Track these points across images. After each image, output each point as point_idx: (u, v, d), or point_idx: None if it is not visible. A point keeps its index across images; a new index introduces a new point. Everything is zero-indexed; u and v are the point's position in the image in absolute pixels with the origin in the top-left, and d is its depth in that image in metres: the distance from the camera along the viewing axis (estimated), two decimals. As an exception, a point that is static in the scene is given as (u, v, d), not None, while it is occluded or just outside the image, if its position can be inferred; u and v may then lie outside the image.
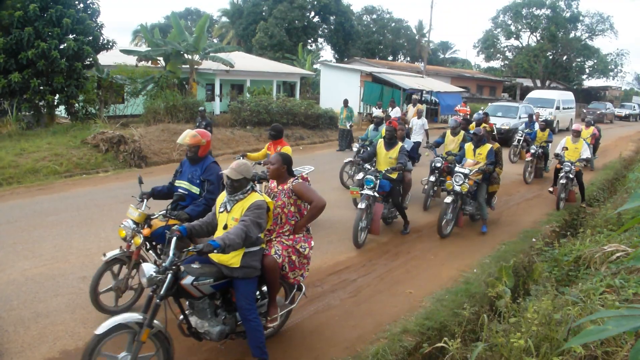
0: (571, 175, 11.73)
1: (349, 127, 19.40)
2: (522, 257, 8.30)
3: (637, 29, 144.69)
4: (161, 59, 22.46)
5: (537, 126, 16.60)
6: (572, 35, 52.12)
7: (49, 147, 14.34)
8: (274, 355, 5.05)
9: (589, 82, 58.06)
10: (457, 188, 9.05)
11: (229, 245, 4.25)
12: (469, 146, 9.96)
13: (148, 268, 4.22)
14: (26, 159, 13.35)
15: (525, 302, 5.82)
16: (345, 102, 19.89)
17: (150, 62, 22.41)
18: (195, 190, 5.84)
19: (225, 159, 16.27)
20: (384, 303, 6.45)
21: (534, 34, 53.48)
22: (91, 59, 17.76)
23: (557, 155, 12.24)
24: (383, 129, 11.20)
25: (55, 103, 18.19)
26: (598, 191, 13.72)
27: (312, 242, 5.40)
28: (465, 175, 9.04)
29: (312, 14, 55.12)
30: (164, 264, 4.23)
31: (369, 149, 10.77)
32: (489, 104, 28.18)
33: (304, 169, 9.42)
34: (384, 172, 8.73)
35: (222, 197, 4.82)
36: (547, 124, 15.82)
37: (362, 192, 8.55)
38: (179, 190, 5.93)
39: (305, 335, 5.62)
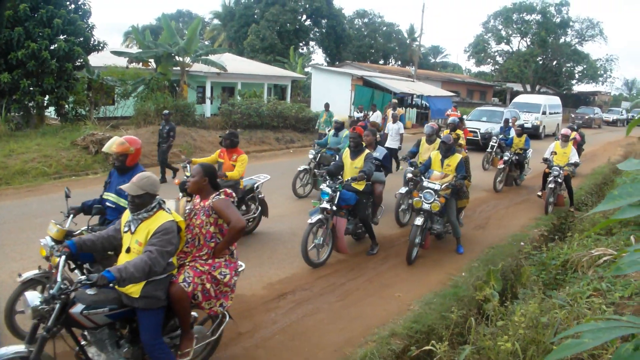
0: (560, 180, 11.70)
1: (327, 132, 18.81)
2: (510, 260, 8.34)
3: (626, 35, 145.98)
4: (152, 60, 22.43)
5: (513, 132, 15.69)
6: (562, 40, 52.66)
7: (38, 148, 14.27)
8: None
9: (579, 87, 58.68)
10: (427, 206, 7.98)
11: (126, 279, 3.71)
12: (435, 155, 8.85)
13: (32, 297, 3.68)
14: (15, 160, 13.28)
15: (513, 306, 5.86)
16: (326, 105, 19.15)
17: (141, 63, 22.38)
18: (123, 203, 5.19)
19: (216, 161, 16.27)
20: (373, 306, 6.47)
21: (524, 39, 53.96)
22: (82, 60, 17.71)
23: (545, 160, 12.28)
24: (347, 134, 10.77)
25: (45, 104, 18.10)
26: (586, 195, 13.82)
27: (240, 267, 4.85)
28: (436, 192, 8.00)
29: (304, 17, 55.24)
30: (50, 292, 3.65)
31: (336, 158, 10.13)
32: (475, 108, 28.15)
33: (259, 178, 9.04)
34: (345, 182, 7.93)
35: (127, 214, 4.20)
36: (524, 130, 15.11)
37: (319, 205, 7.73)
38: (107, 203, 5.43)
39: (294, 339, 5.63)
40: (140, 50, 22.84)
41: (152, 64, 22.61)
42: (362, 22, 68.34)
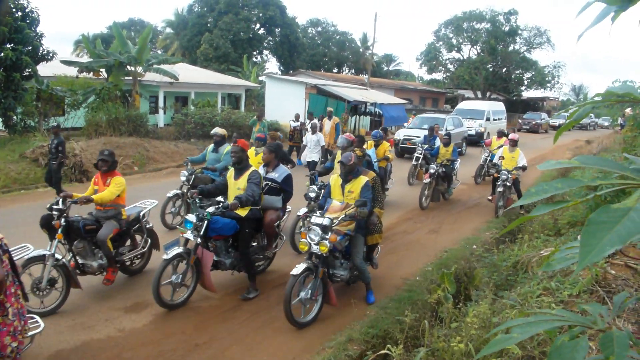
0: (508, 183, 11.91)
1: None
2: (463, 263, 8.53)
3: (572, 42, 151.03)
4: (103, 70, 22.07)
5: (438, 141, 14.37)
6: (511, 48, 54.30)
7: (-16, 161, 13.89)
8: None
9: (528, 93, 60.28)
10: (315, 249, 6.07)
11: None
12: (335, 181, 7.02)
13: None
14: (-40, 174, 12.89)
15: (466, 307, 6.01)
16: (259, 115, 18.35)
17: (91, 73, 22.01)
18: None
19: (170, 172, 16.14)
20: (329, 313, 6.53)
21: (475, 47, 55.31)
22: (30, 70, 17.30)
23: (494, 165, 12.64)
24: (256, 152, 9.87)
25: (-8, 115, 17.60)
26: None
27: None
28: (325, 228, 6.09)
29: (258, 26, 55.22)
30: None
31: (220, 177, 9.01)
32: (417, 115, 27.81)
33: (145, 205, 7.76)
34: (220, 208, 6.47)
35: None
36: (451, 138, 14.15)
37: (184, 235, 6.47)
38: None
39: (252, 348, 5.65)
40: (91, 59, 22.46)
41: (103, 73, 22.25)
42: (315, 31, 68.74)
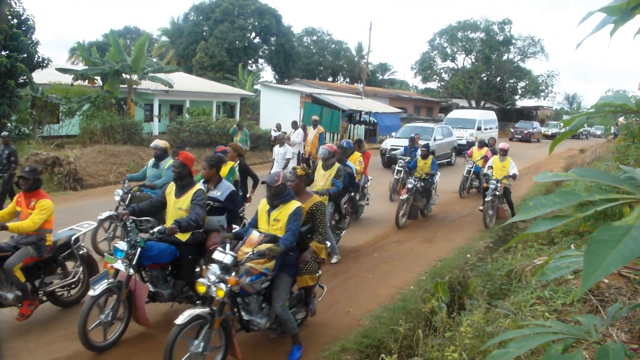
0: (498, 193, 11.75)
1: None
2: (457, 272, 8.53)
3: (566, 52, 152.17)
4: (98, 78, 22.05)
5: (419, 152, 13.16)
6: (505, 57, 54.76)
7: (-22, 168, 13.79)
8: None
9: (522, 102, 60.63)
10: (213, 292, 4.78)
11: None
12: (262, 206, 5.69)
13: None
14: (-47, 181, 12.79)
15: (460, 317, 6.01)
16: (240, 124, 17.44)
17: (87, 81, 21.98)
18: None
19: (165, 180, 16.07)
20: (324, 323, 6.51)
21: (469, 56, 55.71)
22: (25, 77, 17.27)
23: (484, 175, 12.52)
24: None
25: (-14, 122, 17.54)
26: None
27: None
28: (226, 268, 4.84)
29: (253, 34, 55.33)
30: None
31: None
32: (405, 124, 26.51)
33: (81, 228, 6.82)
34: (155, 234, 5.52)
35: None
36: (430, 150, 12.70)
37: (114, 265, 5.54)
38: None
39: (245, 357, 5.60)
40: (86, 67, 22.43)
41: (99, 81, 22.23)
42: (310, 39, 68.96)
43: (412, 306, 6.91)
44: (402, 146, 18.63)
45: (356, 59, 66.45)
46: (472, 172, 15.33)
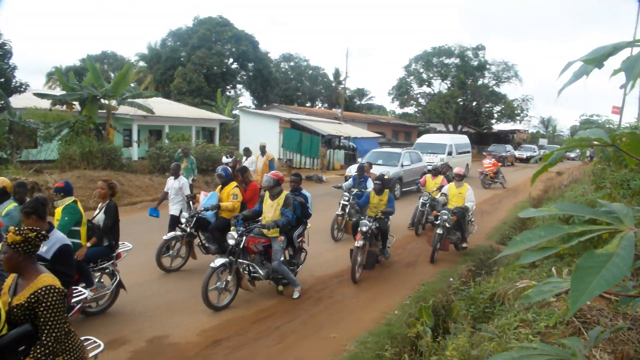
0: (448, 225, 10.76)
1: (191, 182, 14.76)
2: (440, 296, 8.61)
3: (539, 76, 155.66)
4: (77, 103, 21.99)
5: (371, 183, 12.08)
6: (480, 82, 55.88)
7: (-46, 195, 13.62)
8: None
9: (498, 126, 61.51)
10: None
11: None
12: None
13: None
14: None
15: (445, 341, 6.10)
16: (186, 151, 16.28)
17: (64, 106, 21.91)
18: None
19: (144, 206, 16.04)
20: (309, 348, 6.56)
21: (445, 81, 56.65)
22: (2, 102, 17.20)
23: (434, 200, 12.06)
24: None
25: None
26: (510, 230, 14.43)
27: None
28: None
29: (231, 60, 55.68)
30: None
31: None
32: (371, 150, 25.01)
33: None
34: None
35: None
36: (385, 184, 10.38)
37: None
38: None
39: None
40: (64, 92, 22.35)
41: (77, 106, 22.16)
42: (288, 65, 69.66)
43: (397, 331, 6.99)
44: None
45: (334, 84, 67.23)
46: (427, 205, 13.35)
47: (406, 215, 14.37)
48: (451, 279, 9.58)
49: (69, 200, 6.94)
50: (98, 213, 7.26)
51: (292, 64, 70.08)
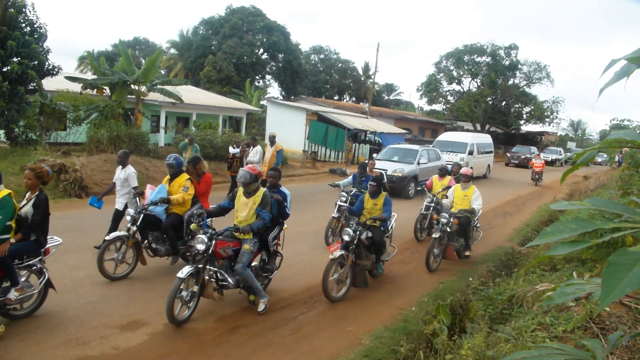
0: (449, 229, 9.89)
1: None
2: (459, 295, 8.52)
3: (571, 78, 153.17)
4: (107, 87, 22.23)
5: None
6: (510, 82, 55.15)
7: (-15, 172, 13.88)
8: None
9: (527, 127, 60.65)
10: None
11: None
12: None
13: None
14: (-40, 184, 12.87)
15: (460, 340, 6.02)
16: (191, 138, 15.78)
17: (95, 90, 22.17)
18: None
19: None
20: (325, 340, 6.55)
21: (475, 80, 56.07)
22: (35, 84, 17.45)
23: (438, 204, 11.51)
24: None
25: (-5, 126, 17.70)
26: (532, 232, 14.25)
27: None
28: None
29: (261, 50, 55.80)
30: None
31: None
32: (387, 146, 24.44)
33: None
34: None
35: None
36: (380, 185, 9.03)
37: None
38: None
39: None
40: (95, 76, 22.61)
41: (107, 91, 22.41)
42: (318, 58, 69.59)
43: (413, 327, 6.93)
44: (381, 169, 17.02)
45: (362, 78, 66.95)
46: (432, 208, 12.18)
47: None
48: (470, 279, 9.48)
49: (4, 191, 6.02)
50: (25, 204, 6.45)
51: (322, 56, 70.04)
